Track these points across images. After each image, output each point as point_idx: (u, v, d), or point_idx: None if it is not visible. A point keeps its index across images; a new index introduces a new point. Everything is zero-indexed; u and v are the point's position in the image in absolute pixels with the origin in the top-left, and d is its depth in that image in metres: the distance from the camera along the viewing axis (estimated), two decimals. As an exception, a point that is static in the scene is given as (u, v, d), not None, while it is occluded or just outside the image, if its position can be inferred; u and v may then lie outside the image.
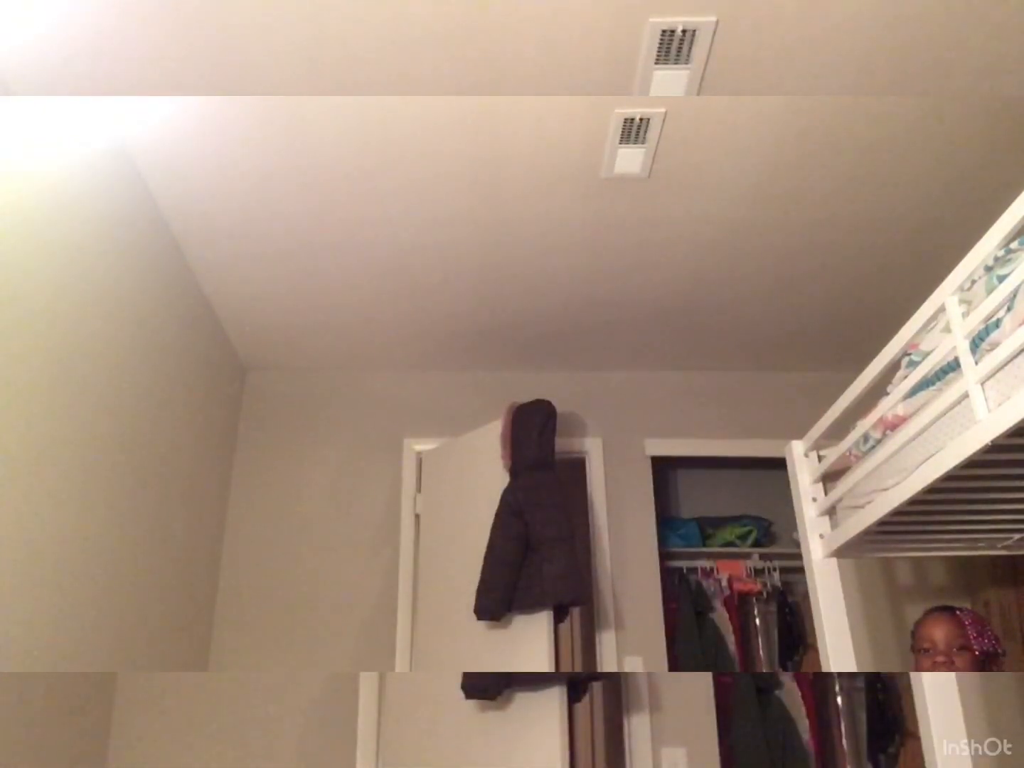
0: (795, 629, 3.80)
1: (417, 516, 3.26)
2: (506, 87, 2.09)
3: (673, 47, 1.96)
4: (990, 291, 1.39)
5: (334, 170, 2.38)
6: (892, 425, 1.73)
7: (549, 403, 2.89)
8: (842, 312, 3.16)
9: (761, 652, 3.80)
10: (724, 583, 3.85)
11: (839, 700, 3.44)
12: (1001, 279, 1.37)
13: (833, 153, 2.33)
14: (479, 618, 2.56)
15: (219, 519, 3.21)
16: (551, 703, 2.40)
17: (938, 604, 2.26)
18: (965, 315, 1.47)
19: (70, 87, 2.04)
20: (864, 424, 1.85)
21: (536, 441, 2.77)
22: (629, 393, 3.55)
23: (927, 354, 1.59)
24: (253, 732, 2.79)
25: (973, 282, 1.48)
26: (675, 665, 3.40)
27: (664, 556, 3.48)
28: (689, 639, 3.65)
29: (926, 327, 1.63)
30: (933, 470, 1.54)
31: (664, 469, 4.19)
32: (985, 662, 2.08)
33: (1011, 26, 1.92)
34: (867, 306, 3.10)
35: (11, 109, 1.86)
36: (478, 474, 2.93)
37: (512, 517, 2.65)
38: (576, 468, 3.37)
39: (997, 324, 1.36)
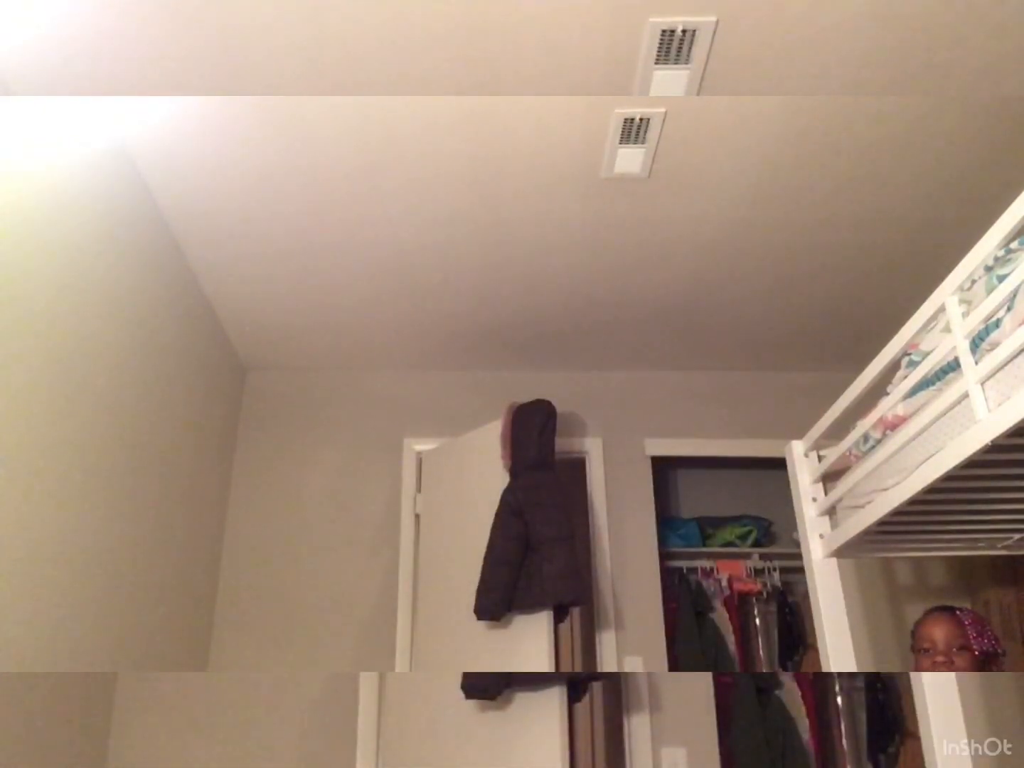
0: (795, 629, 3.80)
1: (417, 516, 3.26)
2: (506, 87, 2.09)
3: (673, 47, 1.96)
4: (990, 291, 1.39)
5: (334, 170, 2.38)
6: (892, 425, 1.73)
7: (549, 403, 2.89)
8: (842, 312, 3.16)
9: (761, 652, 3.80)
10: (724, 583, 3.85)
11: (839, 700, 3.44)
12: (1001, 279, 1.37)
13: (833, 153, 2.33)
14: (479, 618, 2.56)
15: (219, 519, 3.21)
16: (551, 703, 2.40)
17: (938, 604, 2.26)
18: (965, 315, 1.47)
19: (70, 87, 2.04)
20: (864, 424, 1.85)
21: (536, 441, 2.77)
22: (629, 393, 3.55)
23: (927, 354, 1.59)
24: (253, 732, 2.79)
25: (973, 282, 1.48)
26: (675, 665, 3.40)
27: (664, 556, 3.48)
28: (689, 639, 3.65)
29: (926, 327, 1.63)
30: (933, 470, 1.54)
31: (664, 469, 4.20)
32: (985, 662, 2.08)
33: (1011, 26, 1.92)
34: (867, 306, 3.10)
35: (11, 109, 1.86)
36: (478, 474, 2.93)
37: (512, 517, 2.65)
38: (576, 468, 3.37)
39: (997, 324, 1.36)
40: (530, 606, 2.53)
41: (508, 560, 2.58)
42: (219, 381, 3.25)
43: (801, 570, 2.20)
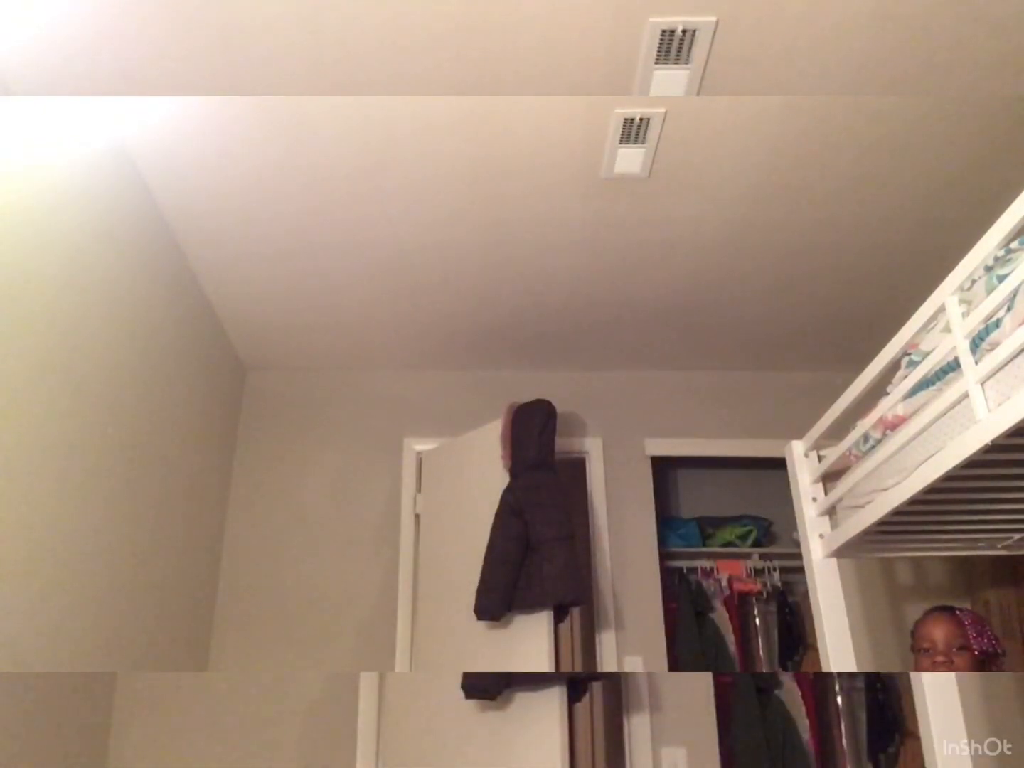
0: (795, 629, 3.80)
1: (417, 516, 3.26)
2: (506, 87, 2.09)
3: (673, 47, 1.96)
4: (990, 291, 1.39)
5: (334, 170, 2.38)
6: (892, 425, 1.73)
7: (549, 403, 2.89)
8: (842, 312, 3.16)
9: (761, 652, 3.80)
10: (724, 583, 3.85)
11: (839, 700, 3.45)
12: (1001, 279, 1.37)
13: (833, 153, 2.33)
14: (479, 618, 2.56)
15: (219, 519, 3.21)
16: (551, 703, 2.40)
17: (938, 604, 2.26)
18: (965, 315, 1.47)
19: (70, 87, 2.04)
20: (864, 424, 1.85)
21: (536, 441, 2.77)
22: (629, 393, 3.55)
23: (927, 354, 1.59)
24: (253, 732, 2.79)
25: (973, 282, 1.48)
26: (675, 665, 3.40)
27: (664, 556, 3.48)
28: (689, 639, 3.65)
29: (926, 327, 1.63)
30: (933, 470, 1.54)
31: (664, 469, 4.19)
32: (985, 662, 2.08)
33: (1011, 26, 1.92)
34: (867, 306, 3.10)
35: (11, 109, 1.86)
36: (478, 474, 2.93)
37: (512, 517, 2.65)
38: (576, 468, 3.37)
39: (997, 324, 1.36)
40: (530, 606, 2.53)
41: (508, 560, 2.58)
42: (219, 381, 3.25)
43: (801, 570, 2.20)
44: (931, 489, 1.59)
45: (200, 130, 2.23)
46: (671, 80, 2.04)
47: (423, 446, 3.37)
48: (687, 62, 2.00)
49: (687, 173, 2.40)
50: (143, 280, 2.48)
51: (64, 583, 2.05)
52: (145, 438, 2.50)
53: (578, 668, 3.51)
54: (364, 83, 2.08)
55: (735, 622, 3.77)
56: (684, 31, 1.91)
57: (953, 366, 1.50)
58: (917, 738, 2.08)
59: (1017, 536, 1.97)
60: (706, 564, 3.90)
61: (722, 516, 4.10)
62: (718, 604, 3.82)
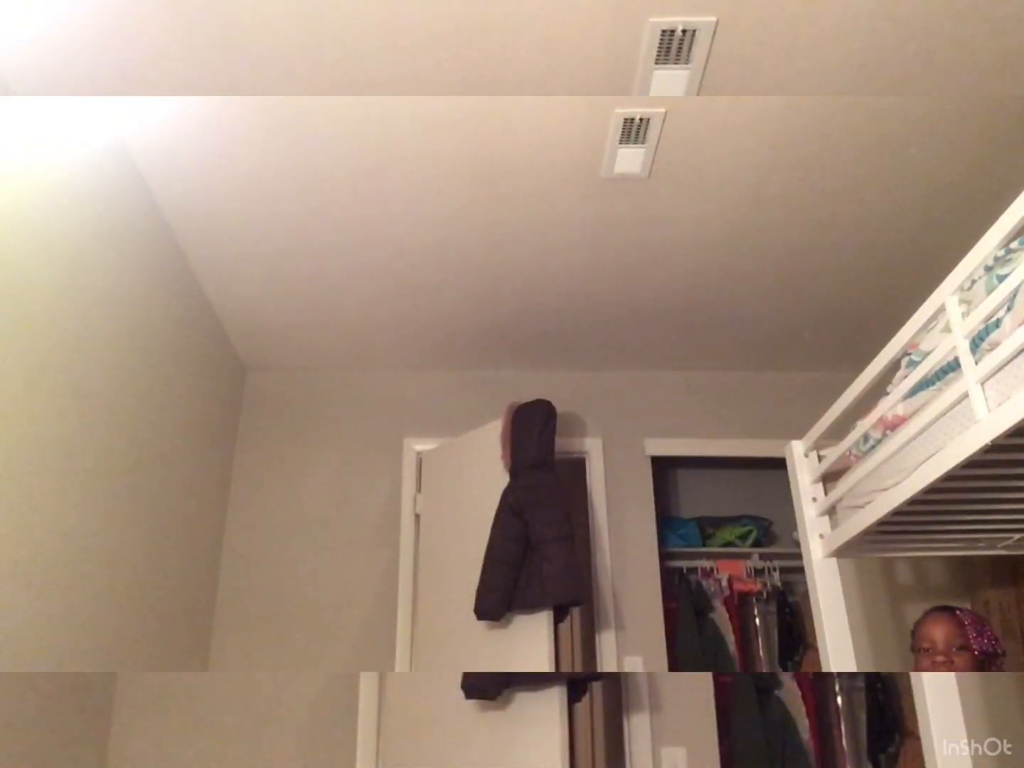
0: (795, 629, 3.80)
1: (417, 516, 3.26)
2: (506, 87, 2.09)
3: (673, 47, 1.96)
4: (990, 291, 1.39)
5: (334, 170, 2.38)
6: (892, 425, 1.73)
7: (549, 403, 2.89)
8: (842, 312, 3.16)
9: (761, 652, 3.80)
10: (724, 583, 3.85)
11: (839, 700, 3.44)
12: (1001, 279, 1.37)
13: (833, 153, 2.33)
14: (479, 618, 2.56)
15: (219, 519, 3.21)
16: (551, 703, 2.40)
17: (938, 604, 2.26)
18: (965, 315, 1.47)
19: (70, 87, 2.04)
20: (864, 424, 1.85)
21: (536, 441, 2.77)
22: (629, 393, 3.54)
23: (927, 354, 1.59)
24: (253, 732, 2.79)
25: (973, 282, 1.48)
26: (675, 665, 3.40)
27: (664, 556, 3.48)
28: (689, 639, 3.65)
29: (926, 327, 1.63)
30: (933, 470, 1.54)
31: (664, 469, 4.19)
32: (985, 662, 2.08)
33: (1011, 26, 1.92)
34: (867, 306, 3.10)
35: (11, 109, 1.86)
36: (478, 474, 2.93)
37: (512, 517, 2.65)
38: (576, 468, 3.37)
39: (997, 324, 1.36)
40: (530, 606, 2.53)
41: (508, 560, 2.58)
42: (219, 381, 3.25)
43: (801, 570, 2.20)
44: (931, 489, 1.59)
45: (200, 130, 2.23)
46: (671, 80, 2.04)
47: (423, 446, 3.37)
48: (687, 62, 2.00)
49: (687, 173, 2.40)
50: (143, 280, 2.48)
51: (64, 583, 2.05)
52: (145, 438, 2.50)
53: (578, 668, 3.50)
54: (364, 83, 2.08)
55: (735, 622, 3.77)
56: (684, 31, 1.91)
57: (953, 366, 1.50)
58: (917, 738, 2.08)
59: (1017, 536, 1.97)
60: (706, 564, 3.90)
61: (722, 516, 4.10)
62: (718, 604, 3.82)
